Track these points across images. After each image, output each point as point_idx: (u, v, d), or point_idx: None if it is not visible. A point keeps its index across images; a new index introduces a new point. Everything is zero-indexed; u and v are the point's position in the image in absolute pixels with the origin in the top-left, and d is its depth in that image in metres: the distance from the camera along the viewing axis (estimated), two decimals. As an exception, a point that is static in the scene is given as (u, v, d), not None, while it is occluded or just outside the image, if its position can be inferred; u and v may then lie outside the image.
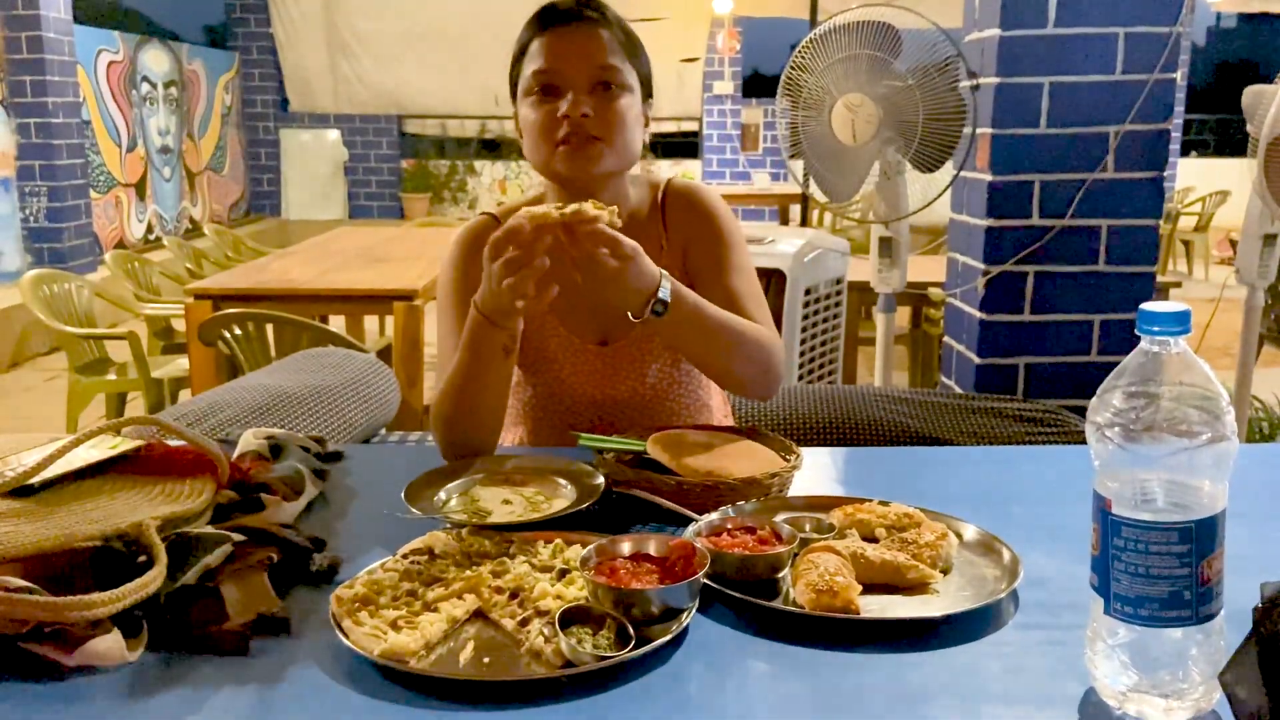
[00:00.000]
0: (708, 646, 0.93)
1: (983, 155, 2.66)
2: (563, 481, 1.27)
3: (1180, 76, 10.16)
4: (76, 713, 0.83)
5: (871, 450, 1.76)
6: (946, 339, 2.95)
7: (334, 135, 11.31)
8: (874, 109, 2.71)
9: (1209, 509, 0.77)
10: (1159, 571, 0.77)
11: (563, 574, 1.02)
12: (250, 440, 1.36)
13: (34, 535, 0.98)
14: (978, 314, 2.69)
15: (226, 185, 10.82)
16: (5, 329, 5.94)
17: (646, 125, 1.52)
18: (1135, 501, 0.78)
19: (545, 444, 1.60)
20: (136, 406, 4.23)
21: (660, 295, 1.27)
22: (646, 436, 1.34)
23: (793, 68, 2.81)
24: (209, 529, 1.05)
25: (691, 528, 1.11)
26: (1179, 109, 10.78)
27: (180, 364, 3.94)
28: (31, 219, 6.92)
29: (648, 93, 1.51)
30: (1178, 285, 4.66)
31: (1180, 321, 0.77)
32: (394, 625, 0.91)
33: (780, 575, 1.03)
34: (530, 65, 1.44)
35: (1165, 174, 2.60)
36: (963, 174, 2.76)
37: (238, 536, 1.03)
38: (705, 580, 0.98)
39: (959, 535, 1.11)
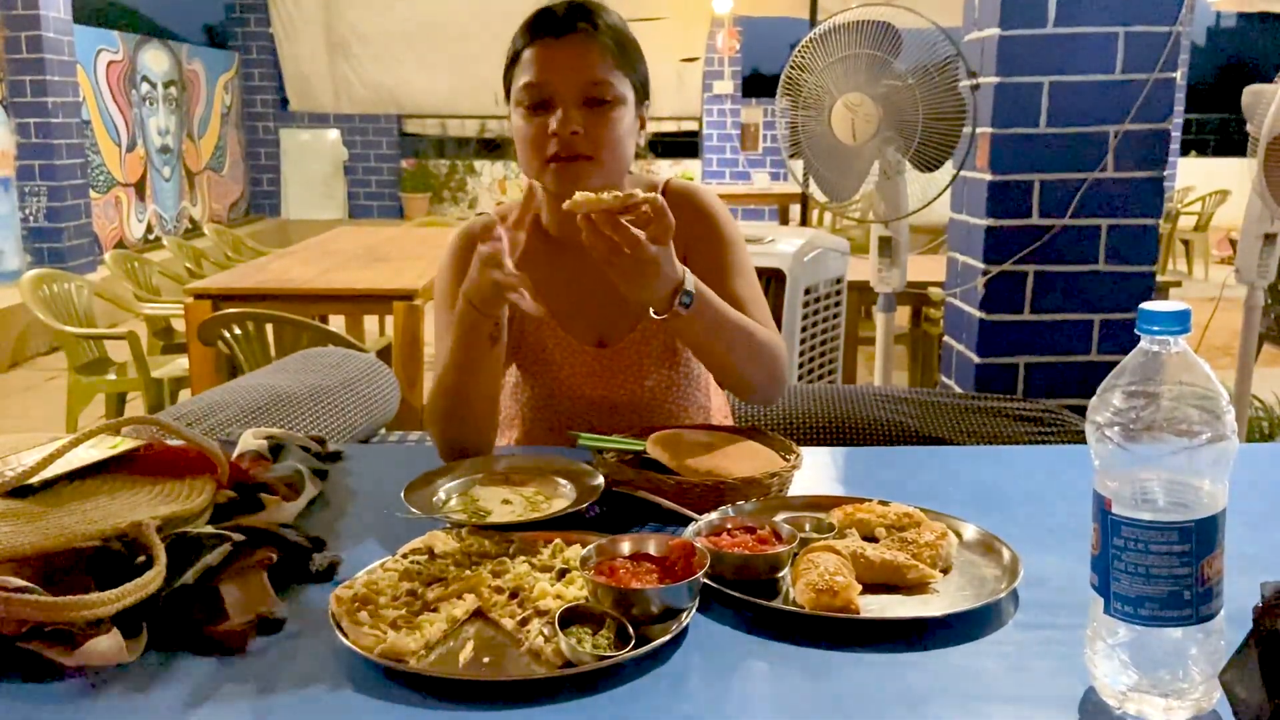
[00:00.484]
0: (707, 646, 0.93)
1: (982, 155, 2.66)
2: (562, 481, 1.27)
3: (1180, 76, 10.16)
4: (76, 713, 0.83)
5: (871, 450, 1.76)
6: (946, 339, 2.95)
7: (334, 135, 11.31)
8: (874, 108, 2.71)
9: (1209, 508, 0.77)
10: (1159, 571, 0.77)
11: (562, 574, 1.02)
12: (250, 440, 1.36)
13: (33, 535, 0.98)
14: (977, 313, 2.69)
15: (226, 185, 10.82)
16: (5, 329, 5.94)
17: (643, 127, 1.51)
18: (1135, 501, 0.78)
19: (543, 445, 1.59)
20: (136, 406, 4.23)
21: (687, 287, 1.27)
22: (646, 436, 1.34)
23: (793, 67, 2.80)
24: (208, 529, 1.05)
25: (691, 527, 1.11)
26: (1179, 109, 10.78)
27: (180, 364, 3.94)
28: (31, 219, 6.92)
29: (644, 96, 1.49)
30: (1177, 285, 4.66)
31: (1180, 321, 0.77)
32: (394, 625, 0.91)
33: (780, 575, 1.03)
34: (522, 76, 1.42)
35: (1165, 174, 2.60)
36: (962, 174, 2.76)
37: (237, 536, 1.03)
38: (705, 580, 0.98)
39: (959, 535, 1.11)
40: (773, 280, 3.01)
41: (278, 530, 1.09)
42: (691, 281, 1.28)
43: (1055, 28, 2.53)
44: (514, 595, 0.98)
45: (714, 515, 1.14)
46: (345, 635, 0.91)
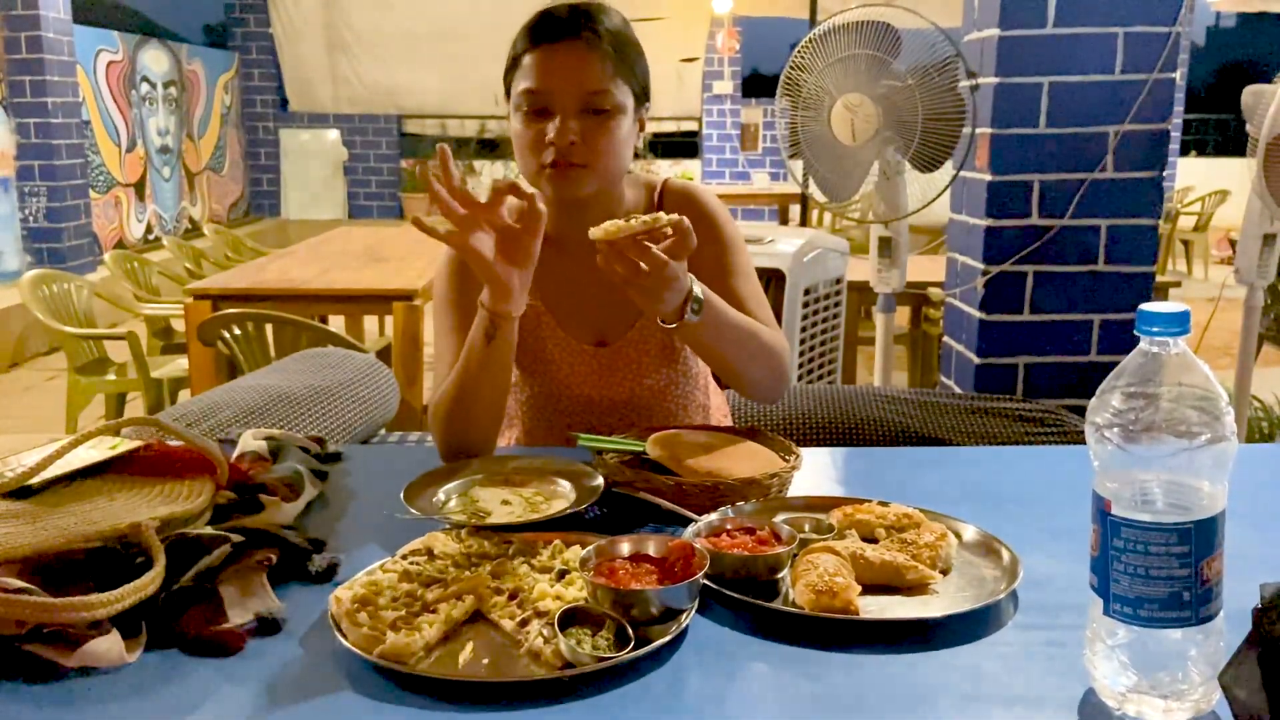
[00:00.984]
0: (707, 647, 0.93)
1: (982, 155, 2.66)
2: (562, 482, 1.27)
3: (1180, 76, 10.14)
4: (75, 714, 0.83)
5: (871, 450, 1.76)
6: (946, 339, 2.95)
7: (333, 135, 11.31)
8: (873, 109, 2.71)
9: (1208, 510, 0.77)
10: (1158, 572, 0.77)
11: (562, 575, 1.02)
12: (250, 441, 1.36)
13: (33, 536, 0.98)
14: (977, 314, 2.69)
15: (226, 185, 10.82)
16: (5, 329, 5.94)
17: (642, 129, 1.51)
18: (1135, 502, 0.78)
19: (543, 445, 1.60)
20: (136, 406, 4.23)
21: (696, 294, 1.28)
22: (646, 437, 1.34)
23: (792, 67, 2.80)
24: (208, 530, 1.05)
25: (691, 528, 1.11)
26: (1179, 109, 10.78)
27: (180, 364, 3.94)
28: (31, 219, 6.92)
29: (644, 98, 1.49)
30: (1177, 285, 4.65)
31: (1179, 322, 0.77)
32: (393, 626, 0.91)
33: (780, 576, 1.03)
34: (521, 82, 1.42)
35: (1165, 174, 2.60)
36: (962, 174, 2.76)
37: (237, 537, 1.03)
38: (705, 581, 0.98)
39: (958, 536, 1.11)
40: (772, 280, 3.01)
41: (277, 531, 1.09)
42: (700, 289, 1.29)
43: (1055, 28, 2.53)
44: (513, 596, 0.98)
45: (713, 516, 1.13)
46: (345, 636, 0.91)
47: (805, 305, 3.11)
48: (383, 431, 2.07)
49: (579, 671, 0.85)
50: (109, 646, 0.87)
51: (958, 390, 2.82)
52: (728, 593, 0.99)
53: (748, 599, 0.98)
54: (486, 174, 11.67)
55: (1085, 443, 0.81)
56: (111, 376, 3.98)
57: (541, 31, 1.42)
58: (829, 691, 0.85)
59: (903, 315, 4.53)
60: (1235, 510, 0.80)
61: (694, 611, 0.94)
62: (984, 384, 2.68)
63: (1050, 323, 2.66)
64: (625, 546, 1.01)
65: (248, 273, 4.33)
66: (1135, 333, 0.79)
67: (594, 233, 1.20)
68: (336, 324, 3.88)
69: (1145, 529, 0.77)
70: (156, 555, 0.96)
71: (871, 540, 1.11)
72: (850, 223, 6.64)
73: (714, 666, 0.90)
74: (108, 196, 8.22)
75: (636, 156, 1.55)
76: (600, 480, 1.24)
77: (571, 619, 0.91)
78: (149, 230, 8.92)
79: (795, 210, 8.35)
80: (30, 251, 6.93)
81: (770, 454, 1.33)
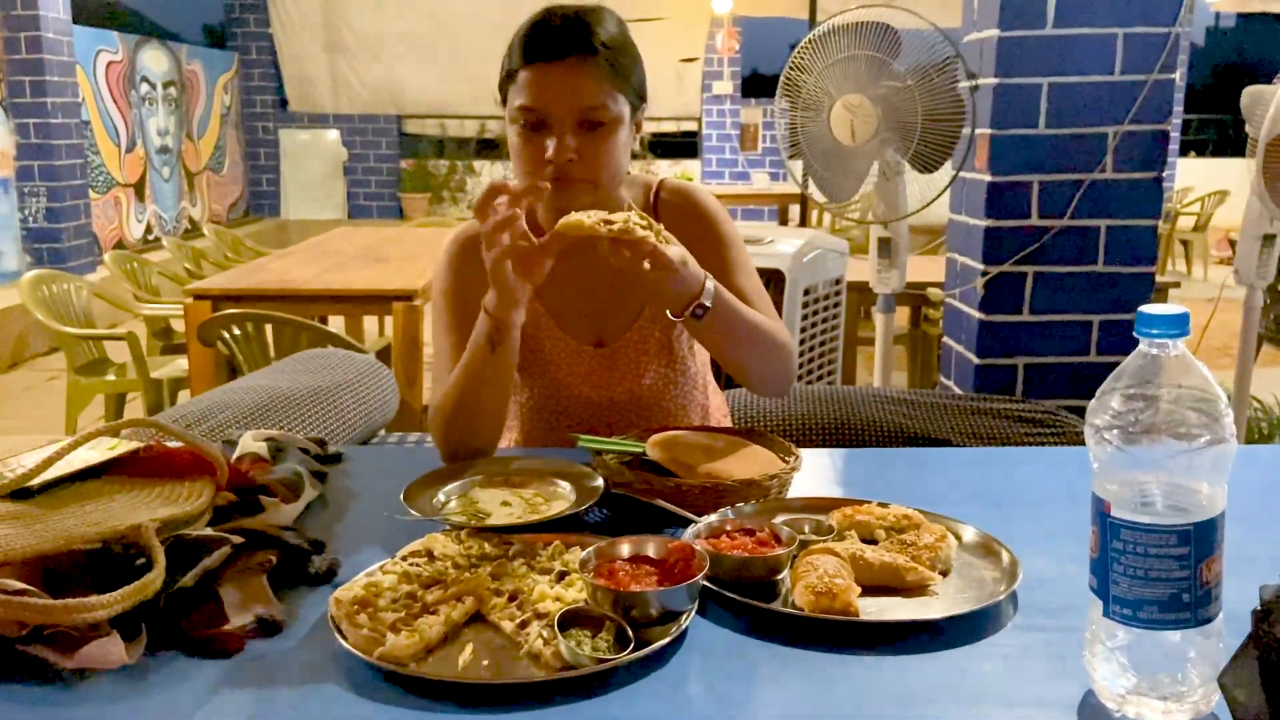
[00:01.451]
0: (707, 649, 0.93)
1: (981, 155, 2.66)
2: (561, 483, 1.27)
3: (1179, 76, 10.14)
4: (75, 714, 0.83)
5: (871, 451, 1.76)
6: (945, 339, 2.96)
7: (333, 135, 11.31)
8: (873, 109, 2.71)
9: (1208, 511, 0.77)
10: (1158, 574, 0.77)
11: (562, 576, 1.02)
12: (250, 442, 1.36)
13: (32, 538, 0.98)
14: (977, 314, 2.69)
15: (225, 185, 10.81)
16: (5, 329, 5.94)
17: (638, 131, 1.51)
18: (1134, 504, 0.78)
19: (542, 445, 1.60)
20: (136, 407, 4.23)
21: (703, 300, 1.29)
22: (645, 438, 1.34)
23: (792, 68, 2.81)
24: (208, 531, 1.05)
25: (690, 530, 1.11)
26: (1178, 109, 10.77)
27: (179, 364, 3.94)
28: (31, 219, 6.91)
29: (640, 102, 1.48)
30: (1176, 285, 4.65)
31: (1178, 324, 0.77)
32: (393, 627, 0.91)
33: (779, 577, 1.03)
34: (517, 97, 1.40)
35: (1164, 174, 2.60)
36: (961, 174, 2.76)
37: (237, 539, 1.03)
38: (704, 582, 0.98)
39: (958, 537, 1.11)
40: (772, 281, 3.00)
41: (277, 532, 1.09)
42: (711, 294, 1.30)
43: (1054, 29, 2.53)
44: (513, 598, 0.98)
45: (713, 517, 1.14)
46: (344, 638, 0.91)
47: (805, 306, 3.11)
48: (382, 432, 2.07)
49: (579, 673, 0.85)
50: (108, 648, 0.87)
51: (957, 391, 2.82)
52: (727, 594, 0.99)
53: (747, 600, 0.98)
54: (486, 174, 11.67)
55: (1085, 444, 0.82)
56: (111, 377, 3.98)
57: (536, 48, 1.39)
58: (828, 694, 0.85)
59: (902, 316, 4.53)
60: (1235, 511, 0.80)
61: (694, 613, 0.94)
62: (983, 384, 2.69)
63: (1050, 323, 2.66)
64: (625, 548, 1.01)
65: (247, 273, 4.32)
66: (1134, 334, 0.79)
67: (559, 227, 1.22)
68: (336, 324, 3.88)
69: (1145, 530, 0.77)
70: (156, 557, 0.96)
71: (871, 541, 1.11)
72: (850, 223, 6.64)
73: (713, 668, 0.90)
74: (107, 197, 8.22)
75: (635, 157, 1.55)
76: (600, 481, 1.24)
77: (571, 620, 0.91)
78: (149, 230, 8.92)
79: (795, 211, 8.35)
80: (30, 252, 6.93)
81: (770, 455, 1.34)
